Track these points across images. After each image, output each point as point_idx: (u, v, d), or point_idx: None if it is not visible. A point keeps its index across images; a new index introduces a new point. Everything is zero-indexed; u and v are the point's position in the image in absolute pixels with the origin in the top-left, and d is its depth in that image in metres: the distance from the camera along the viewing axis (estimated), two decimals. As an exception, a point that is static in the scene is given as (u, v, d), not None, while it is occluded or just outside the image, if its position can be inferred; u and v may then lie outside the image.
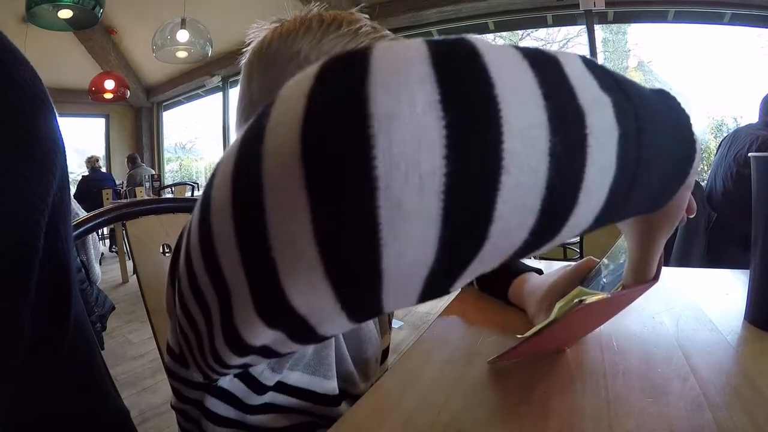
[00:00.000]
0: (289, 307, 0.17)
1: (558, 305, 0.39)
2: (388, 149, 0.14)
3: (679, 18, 3.56)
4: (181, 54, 4.27)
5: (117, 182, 5.34)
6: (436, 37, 0.17)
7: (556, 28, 4.29)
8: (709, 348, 0.43)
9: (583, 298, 0.36)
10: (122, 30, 5.29)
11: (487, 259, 0.17)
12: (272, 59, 0.44)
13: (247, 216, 0.16)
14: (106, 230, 4.87)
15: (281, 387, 0.44)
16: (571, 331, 0.43)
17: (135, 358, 2.17)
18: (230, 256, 0.17)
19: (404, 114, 0.14)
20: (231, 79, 5.60)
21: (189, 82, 5.93)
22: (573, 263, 0.53)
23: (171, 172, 7.09)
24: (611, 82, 0.19)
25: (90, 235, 2.00)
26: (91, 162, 5.10)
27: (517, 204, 0.15)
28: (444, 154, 0.14)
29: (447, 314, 0.57)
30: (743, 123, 2.54)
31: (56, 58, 5.02)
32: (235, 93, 1.67)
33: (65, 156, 0.27)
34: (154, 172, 5.48)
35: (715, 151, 2.32)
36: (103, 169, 5.66)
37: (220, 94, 5.82)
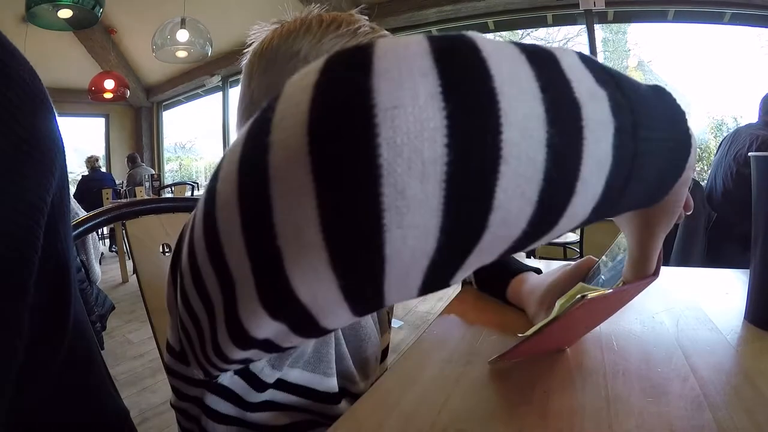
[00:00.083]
0: (294, 296, 0.17)
1: (559, 302, 0.39)
2: (391, 138, 0.14)
3: (679, 18, 3.55)
4: (181, 54, 4.26)
5: (117, 182, 5.34)
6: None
7: (556, 28, 4.27)
8: (709, 348, 0.43)
9: (585, 293, 0.37)
10: (122, 30, 5.28)
11: (487, 250, 0.17)
12: (272, 59, 0.45)
13: (254, 204, 0.16)
14: (106, 230, 4.87)
15: (281, 384, 0.44)
16: (572, 328, 0.43)
17: (135, 358, 2.18)
18: (235, 245, 0.17)
19: (407, 105, 0.14)
20: (231, 79, 5.59)
21: (189, 81, 5.91)
22: (572, 262, 0.53)
23: (171, 172, 7.08)
24: (607, 77, 0.19)
25: (90, 235, 2.00)
26: (91, 162, 5.10)
27: (516, 193, 0.15)
28: (445, 143, 0.14)
29: (447, 314, 0.57)
30: (743, 123, 2.54)
31: (56, 57, 5.02)
32: (235, 93, 1.69)
33: (65, 156, 0.27)
34: (153, 172, 5.48)
35: (715, 151, 2.32)
36: (103, 169, 5.67)
37: (219, 94, 5.81)
